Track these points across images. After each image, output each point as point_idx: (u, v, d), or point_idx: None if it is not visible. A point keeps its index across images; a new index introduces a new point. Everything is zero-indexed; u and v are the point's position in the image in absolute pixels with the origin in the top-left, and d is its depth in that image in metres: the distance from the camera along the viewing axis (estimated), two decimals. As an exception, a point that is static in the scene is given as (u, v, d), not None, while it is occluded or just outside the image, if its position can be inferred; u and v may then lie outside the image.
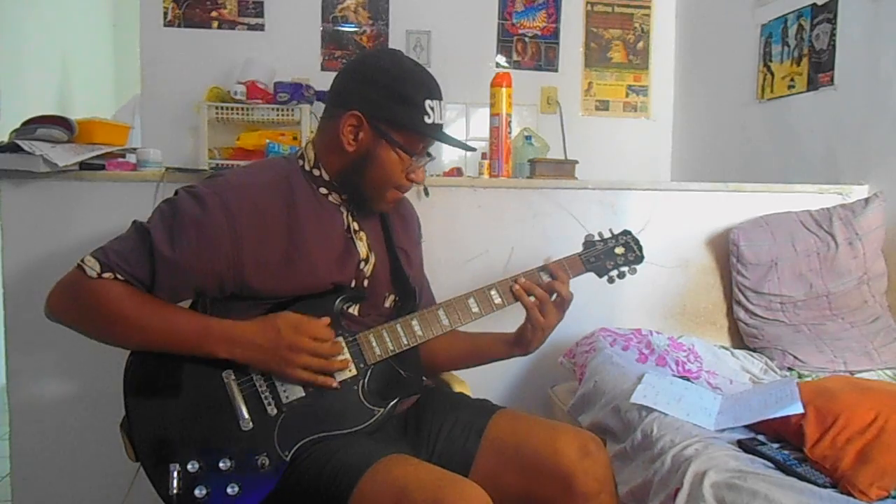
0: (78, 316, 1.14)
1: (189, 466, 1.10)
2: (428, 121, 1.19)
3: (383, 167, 1.21)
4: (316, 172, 1.24)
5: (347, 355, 1.20)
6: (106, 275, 1.10)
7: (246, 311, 1.18)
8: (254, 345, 1.12)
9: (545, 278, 1.31)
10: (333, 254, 1.23)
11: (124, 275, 1.11)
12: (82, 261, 1.11)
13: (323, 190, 1.25)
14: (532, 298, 1.28)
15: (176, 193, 1.18)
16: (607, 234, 1.41)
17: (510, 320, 1.36)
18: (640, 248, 1.41)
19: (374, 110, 1.18)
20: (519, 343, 1.34)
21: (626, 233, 1.42)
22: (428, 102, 1.19)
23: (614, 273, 1.38)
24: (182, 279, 1.14)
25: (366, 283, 1.28)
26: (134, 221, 1.17)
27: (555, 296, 1.30)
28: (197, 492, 1.09)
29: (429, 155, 1.27)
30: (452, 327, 1.26)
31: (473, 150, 1.39)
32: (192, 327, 1.13)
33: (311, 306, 1.19)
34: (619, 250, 1.39)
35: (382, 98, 1.18)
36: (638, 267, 1.40)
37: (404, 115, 1.19)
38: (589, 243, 1.39)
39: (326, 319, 1.17)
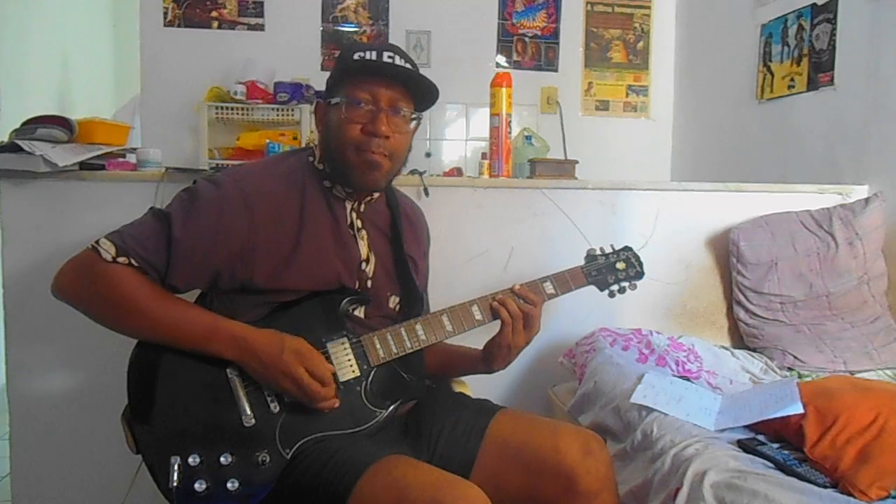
0: (87, 299, 1.13)
1: (190, 460, 1.10)
2: (355, 58, 1.21)
3: (336, 128, 1.23)
4: (320, 166, 1.29)
5: (336, 401, 1.16)
6: (121, 259, 1.10)
7: (251, 308, 1.19)
8: (255, 354, 1.12)
9: (549, 288, 1.34)
10: (339, 246, 1.25)
11: (139, 261, 1.11)
12: (97, 242, 1.11)
13: (327, 183, 1.28)
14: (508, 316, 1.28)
15: (194, 183, 1.20)
16: (609, 249, 1.45)
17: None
18: (641, 265, 1.46)
19: (326, 91, 1.27)
20: (486, 361, 1.34)
21: (628, 249, 1.46)
22: (358, 53, 1.22)
23: (615, 287, 1.43)
24: (198, 265, 1.14)
25: (369, 283, 1.29)
26: (151, 208, 1.18)
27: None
28: (197, 486, 1.09)
29: (416, 118, 1.25)
30: (456, 333, 1.28)
31: (419, 75, 1.23)
32: (201, 324, 1.13)
33: (318, 306, 1.21)
34: (621, 265, 1.43)
35: (331, 78, 1.25)
36: (638, 283, 1.45)
37: (336, 72, 1.24)
38: (591, 257, 1.44)
39: (331, 367, 1.16)
